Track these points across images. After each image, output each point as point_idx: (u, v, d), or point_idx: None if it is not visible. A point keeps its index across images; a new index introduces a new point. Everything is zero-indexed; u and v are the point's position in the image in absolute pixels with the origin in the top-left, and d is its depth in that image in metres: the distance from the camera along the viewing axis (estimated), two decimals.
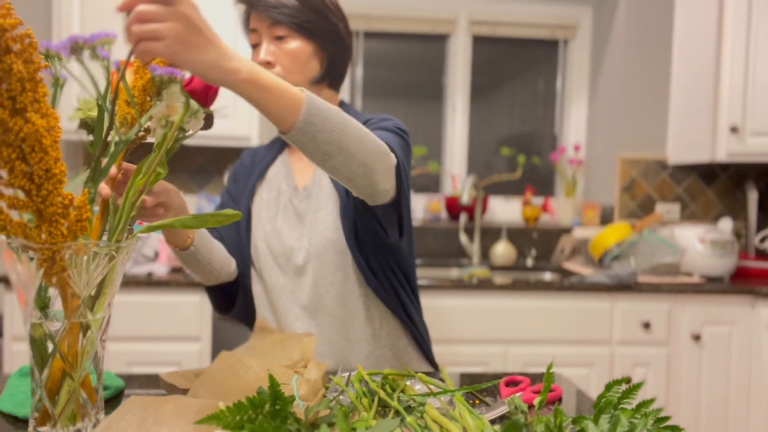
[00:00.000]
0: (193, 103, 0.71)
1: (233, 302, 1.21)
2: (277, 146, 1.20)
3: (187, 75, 0.72)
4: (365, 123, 1.06)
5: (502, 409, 0.80)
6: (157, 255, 2.22)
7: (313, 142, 0.75)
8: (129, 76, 0.70)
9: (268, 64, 1.04)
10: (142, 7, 0.59)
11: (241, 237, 1.16)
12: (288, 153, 1.19)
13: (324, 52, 1.08)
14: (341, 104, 1.16)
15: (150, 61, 0.63)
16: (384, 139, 0.95)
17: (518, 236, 2.74)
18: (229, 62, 0.64)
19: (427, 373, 1.00)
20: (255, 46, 1.07)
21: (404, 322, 1.11)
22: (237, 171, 1.23)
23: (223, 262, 1.11)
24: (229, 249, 1.16)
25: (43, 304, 0.63)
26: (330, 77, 1.11)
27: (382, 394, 0.76)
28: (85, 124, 0.73)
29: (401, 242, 1.07)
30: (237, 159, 2.60)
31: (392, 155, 0.89)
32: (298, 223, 1.11)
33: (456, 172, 2.89)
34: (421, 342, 1.15)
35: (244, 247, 1.16)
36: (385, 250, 1.08)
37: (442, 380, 0.92)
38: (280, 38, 1.04)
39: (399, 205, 0.98)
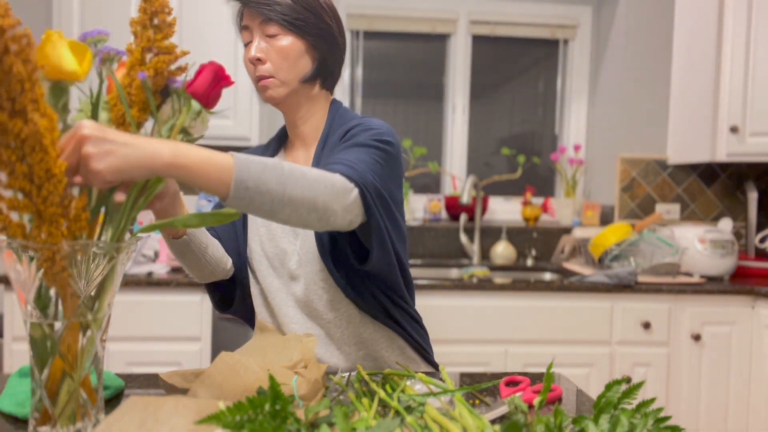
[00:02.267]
0: (195, 105, 0.71)
1: (232, 301, 1.21)
2: (273, 148, 1.19)
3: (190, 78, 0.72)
4: (347, 132, 1.06)
5: (502, 409, 0.80)
6: (157, 255, 2.22)
7: (252, 205, 0.77)
8: (119, 75, 0.70)
9: (258, 61, 1.04)
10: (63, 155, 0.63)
11: (238, 237, 1.16)
12: (284, 155, 1.19)
13: (316, 51, 1.08)
14: (333, 103, 1.16)
15: (99, 184, 0.64)
16: (350, 163, 0.93)
17: (518, 236, 2.74)
18: (147, 151, 0.66)
19: (427, 373, 1.00)
20: (248, 44, 1.07)
21: (395, 330, 1.11)
22: None
23: (218, 259, 1.11)
24: (226, 248, 1.15)
25: (43, 304, 0.63)
26: (322, 76, 1.11)
27: (382, 394, 0.76)
28: None
29: (372, 263, 1.01)
30: None
31: (352, 189, 0.89)
32: (291, 227, 1.11)
33: (456, 172, 2.89)
34: (418, 346, 1.14)
35: (241, 247, 1.15)
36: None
37: (442, 380, 0.92)
38: (271, 35, 1.04)
39: (370, 226, 0.95)
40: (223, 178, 0.73)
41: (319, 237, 1.05)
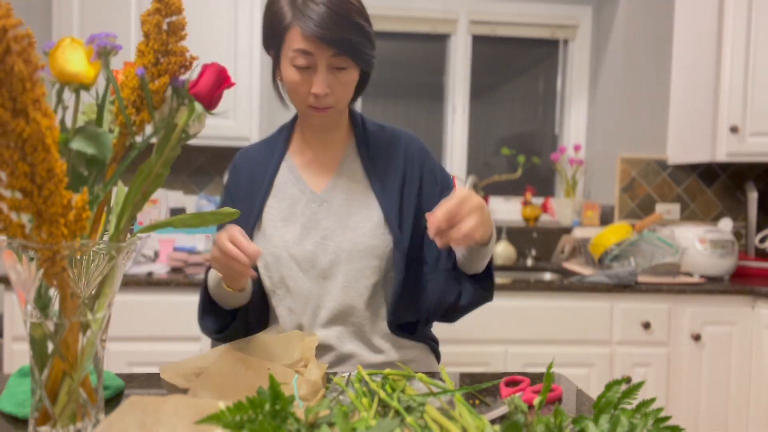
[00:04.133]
0: (198, 107, 0.71)
1: (226, 326, 1.18)
2: (278, 152, 1.18)
3: (193, 78, 0.71)
4: (429, 164, 1.19)
5: (502, 409, 0.80)
6: (157, 255, 2.22)
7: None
8: (121, 77, 0.70)
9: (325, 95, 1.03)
10: (453, 208, 0.86)
11: None
12: (291, 158, 1.17)
13: (363, 75, 1.11)
14: (352, 117, 1.18)
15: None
16: None
17: (518, 236, 2.74)
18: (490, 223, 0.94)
19: (427, 373, 1.01)
20: (300, 68, 1.02)
21: (419, 330, 1.17)
22: (236, 181, 1.19)
23: (250, 293, 1.13)
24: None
25: (43, 304, 0.63)
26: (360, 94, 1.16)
27: (382, 394, 0.76)
28: None
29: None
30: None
31: None
32: (317, 228, 1.11)
33: (456, 172, 2.89)
34: (435, 348, 1.22)
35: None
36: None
37: (443, 380, 0.92)
38: (339, 68, 1.02)
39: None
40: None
41: (395, 247, 1.11)
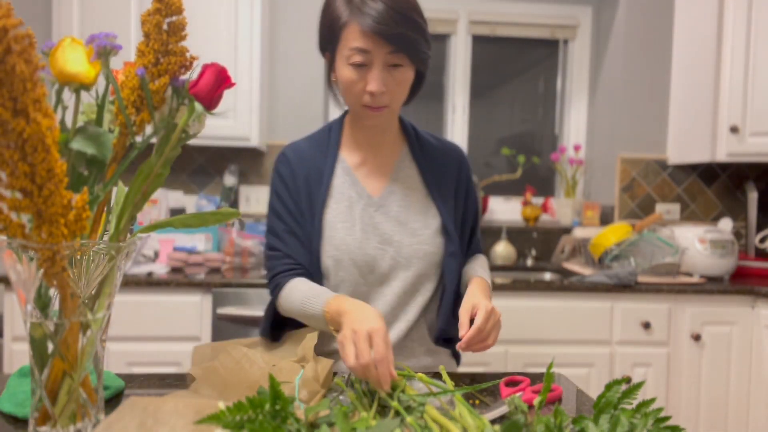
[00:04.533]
0: (198, 107, 0.71)
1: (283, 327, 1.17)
2: (332, 153, 1.15)
3: (193, 78, 0.71)
4: (468, 176, 1.22)
5: (502, 409, 0.80)
6: (157, 255, 2.22)
7: None
8: (121, 77, 0.70)
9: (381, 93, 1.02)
10: (482, 327, 0.95)
11: (312, 259, 1.11)
12: (346, 160, 1.15)
13: (418, 75, 1.10)
14: (402, 122, 1.18)
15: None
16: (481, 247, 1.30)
17: (518, 236, 2.74)
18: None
19: (428, 374, 1.01)
20: (356, 65, 1.01)
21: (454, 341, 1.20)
22: (294, 181, 1.14)
23: None
24: (305, 275, 1.12)
25: (43, 304, 0.63)
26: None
27: (383, 394, 0.76)
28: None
29: None
30: (239, 160, 2.60)
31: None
32: (375, 232, 1.10)
33: None
34: (457, 353, 1.23)
35: (314, 268, 1.11)
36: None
37: (443, 380, 0.92)
38: (395, 66, 1.02)
39: None
40: None
41: (449, 257, 1.13)
